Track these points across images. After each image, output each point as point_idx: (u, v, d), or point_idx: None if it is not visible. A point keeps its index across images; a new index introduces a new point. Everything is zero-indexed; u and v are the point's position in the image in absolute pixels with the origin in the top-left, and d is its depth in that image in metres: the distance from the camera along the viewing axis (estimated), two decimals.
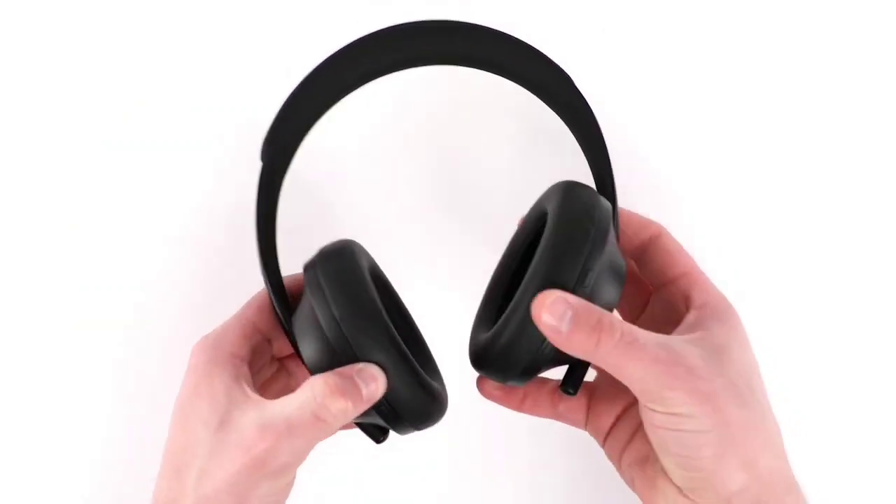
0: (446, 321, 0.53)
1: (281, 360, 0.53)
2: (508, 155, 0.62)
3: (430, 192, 0.62)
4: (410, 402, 0.46)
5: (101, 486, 0.60)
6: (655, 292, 0.51)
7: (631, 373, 0.43)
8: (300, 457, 0.45)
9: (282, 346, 0.51)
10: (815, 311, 0.62)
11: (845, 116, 0.62)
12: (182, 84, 0.60)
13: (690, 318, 0.47)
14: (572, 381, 0.47)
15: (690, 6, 0.61)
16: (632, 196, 0.54)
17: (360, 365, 0.45)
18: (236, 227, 0.59)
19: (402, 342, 0.46)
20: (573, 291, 0.44)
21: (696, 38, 0.61)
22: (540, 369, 0.46)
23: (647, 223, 0.50)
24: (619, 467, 0.50)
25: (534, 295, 0.44)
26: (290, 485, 0.47)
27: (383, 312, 0.46)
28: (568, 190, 0.47)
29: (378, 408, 0.46)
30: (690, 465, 0.44)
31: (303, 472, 0.47)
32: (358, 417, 0.46)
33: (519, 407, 0.51)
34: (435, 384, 0.48)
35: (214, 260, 0.61)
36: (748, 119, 0.61)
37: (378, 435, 0.48)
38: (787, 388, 0.54)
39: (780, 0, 0.61)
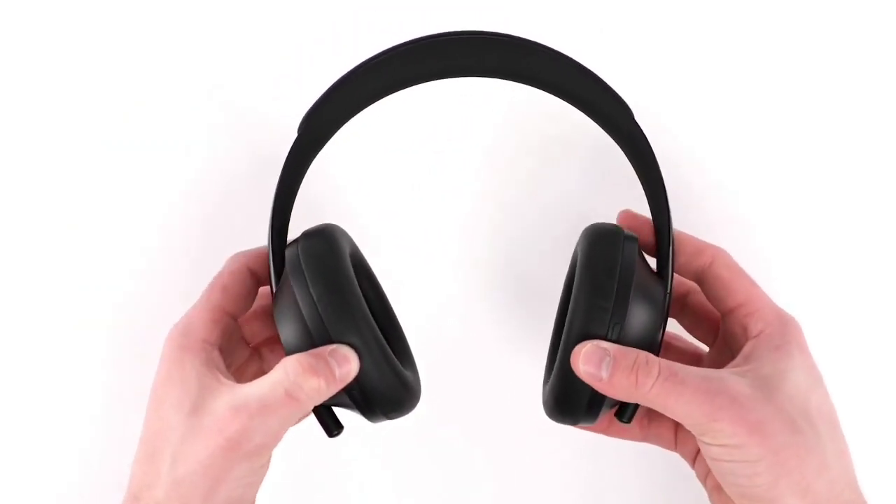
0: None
1: (254, 347, 0.53)
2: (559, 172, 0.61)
3: (461, 198, 0.62)
4: (381, 388, 0.46)
5: (91, 478, 0.60)
6: (721, 321, 0.51)
7: (675, 408, 0.44)
8: (275, 437, 0.45)
9: (253, 332, 0.52)
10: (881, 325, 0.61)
11: None
12: (182, 84, 0.60)
13: (746, 349, 0.47)
14: (625, 411, 0.47)
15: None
16: (691, 212, 0.55)
17: (333, 346, 0.45)
18: (237, 227, 0.59)
19: (376, 326, 0.46)
20: (606, 336, 0.45)
21: (755, 60, 0.60)
22: (601, 408, 0.47)
23: (701, 248, 0.50)
24: (706, 490, 0.50)
25: (571, 347, 0.45)
26: (264, 467, 0.47)
27: (359, 294, 0.46)
28: (590, 236, 0.48)
29: (349, 392, 0.46)
30: (748, 494, 0.45)
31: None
32: (327, 402, 0.46)
33: (606, 431, 0.52)
34: (407, 373, 0.48)
35: (215, 260, 0.61)
36: (807, 137, 0.60)
37: (332, 428, 0.48)
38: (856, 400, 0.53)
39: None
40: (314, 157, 0.51)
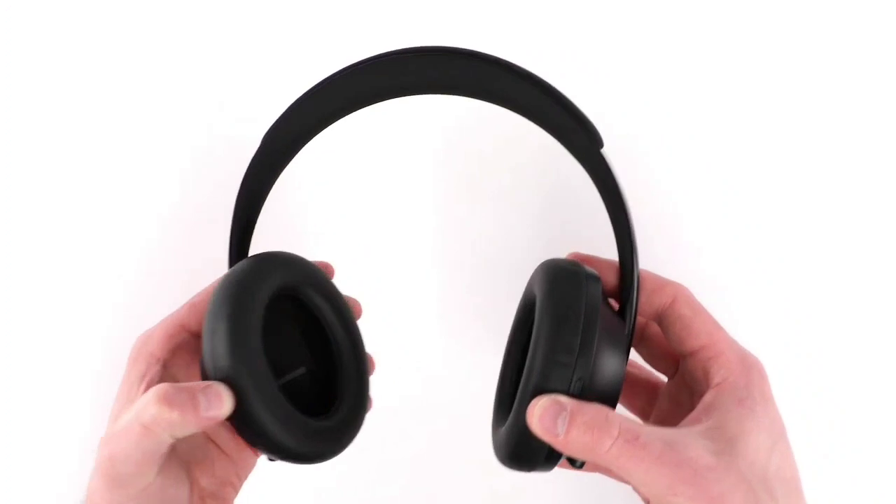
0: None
1: None
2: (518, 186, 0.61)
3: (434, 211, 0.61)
4: (264, 432, 0.44)
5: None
6: (682, 360, 0.48)
7: (635, 475, 0.42)
8: (138, 466, 0.43)
9: None
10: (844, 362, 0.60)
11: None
12: (182, 84, 0.60)
13: (708, 398, 0.45)
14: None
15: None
16: (653, 248, 0.55)
17: (210, 382, 0.43)
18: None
19: (268, 368, 0.44)
20: (568, 390, 0.42)
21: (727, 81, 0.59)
22: (558, 458, 0.45)
23: (662, 286, 0.47)
24: None
25: (530, 398, 0.43)
26: (144, 494, 0.44)
27: (255, 331, 0.44)
28: (549, 276, 0.45)
29: (237, 429, 0.44)
30: None
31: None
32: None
33: (568, 466, 0.50)
34: (318, 422, 0.46)
35: (215, 260, 0.61)
36: (776, 161, 0.59)
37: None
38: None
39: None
40: (276, 176, 0.50)
